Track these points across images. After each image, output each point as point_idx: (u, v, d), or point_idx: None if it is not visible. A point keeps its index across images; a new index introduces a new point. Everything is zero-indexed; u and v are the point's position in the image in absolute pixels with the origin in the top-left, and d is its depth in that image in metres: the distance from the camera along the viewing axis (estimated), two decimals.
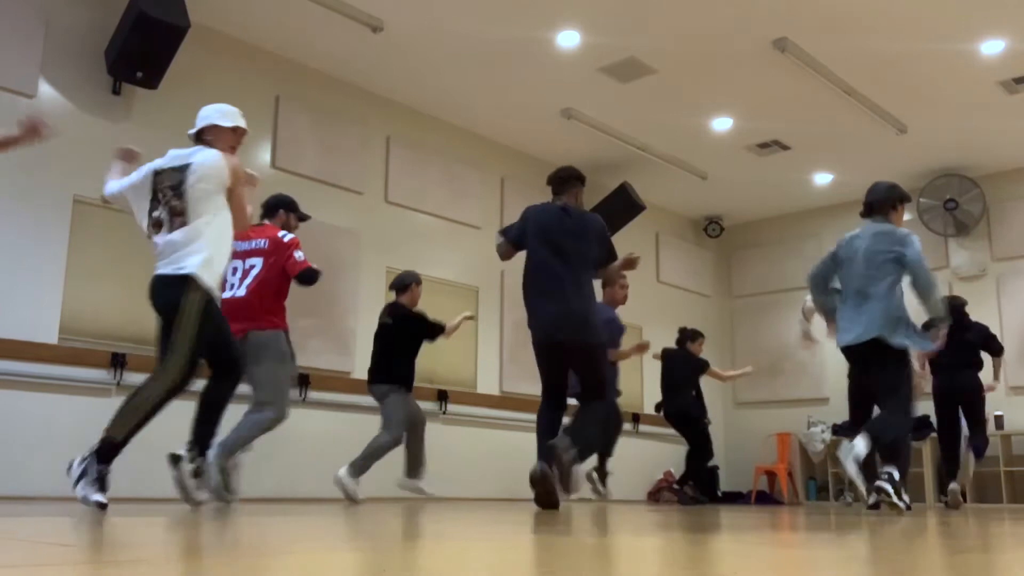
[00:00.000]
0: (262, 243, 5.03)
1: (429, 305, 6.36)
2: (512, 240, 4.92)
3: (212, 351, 3.84)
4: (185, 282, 3.66)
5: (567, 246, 4.74)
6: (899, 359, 4.97)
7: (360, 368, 7.17)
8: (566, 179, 4.99)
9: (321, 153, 7.36)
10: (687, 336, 8.22)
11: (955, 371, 6.93)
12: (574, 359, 4.78)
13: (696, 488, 8.13)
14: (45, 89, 5.88)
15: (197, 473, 3.88)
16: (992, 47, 6.95)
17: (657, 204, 10.53)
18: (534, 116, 8.36)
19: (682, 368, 8.08)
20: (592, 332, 4.72)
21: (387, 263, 7.67)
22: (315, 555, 1.60)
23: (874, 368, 5.04)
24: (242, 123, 4.05)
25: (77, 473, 3.59)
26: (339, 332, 7.19)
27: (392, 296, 6.20)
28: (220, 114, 3.99)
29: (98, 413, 5.74)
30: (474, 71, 7.49)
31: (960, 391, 6.95)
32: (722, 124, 8.49)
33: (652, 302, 10.27)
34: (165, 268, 3.71)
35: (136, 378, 5.88)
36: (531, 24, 6.71)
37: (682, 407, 7.98)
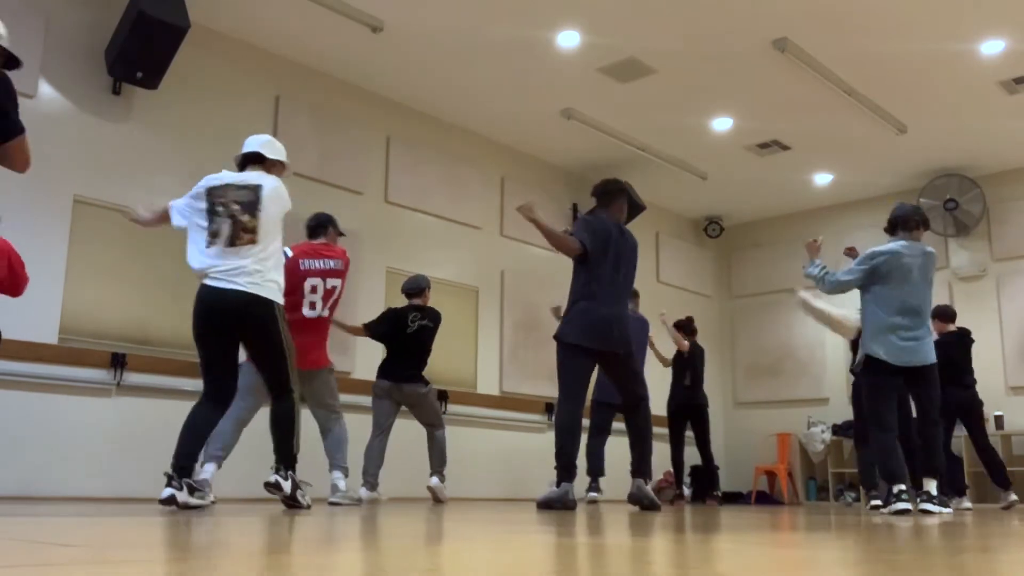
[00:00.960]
0: (340, 264, 5.27)
1: (430, 305, 6.37)
2: (584, 244, 5.03)
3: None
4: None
5: (623, 263, 5.06)
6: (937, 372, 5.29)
7: (361, 368, 7.17)
8: (613, 192, 5.25)
9: (321, 153, 7.36)
10: (694, 327, 8.17)
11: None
12: (617, 366, 5.03)
13: (679, 484, 8.08)
14: (45, 89, 5.88)
15: (297, 486, 4.12)
16: (992, 47, 6.95)
17: (657, 204, 10.52)
18: (534, 116, 8.36)
19: (702, 360, 8.06)
20: (631, 343, 5.09)
21: (387, 263, 7.67)
22: (316, 555, 1.60)
23: (921, 384, 5.21)
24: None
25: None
26: (339, 332, 7.18)
27: (402, 299, 6.38)
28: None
29: (98, 413, 5.76)
30: (474, 71, 7.49)
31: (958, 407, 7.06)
32: (722, 124, 8.48)
33: (652, 302, 10.25)
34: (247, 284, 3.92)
35: (136, 378, 5.90)
36: (531, 24, 6.71)
37: (705, 400, 7.99)
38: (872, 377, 5.24)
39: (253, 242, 3.90)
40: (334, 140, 7.47)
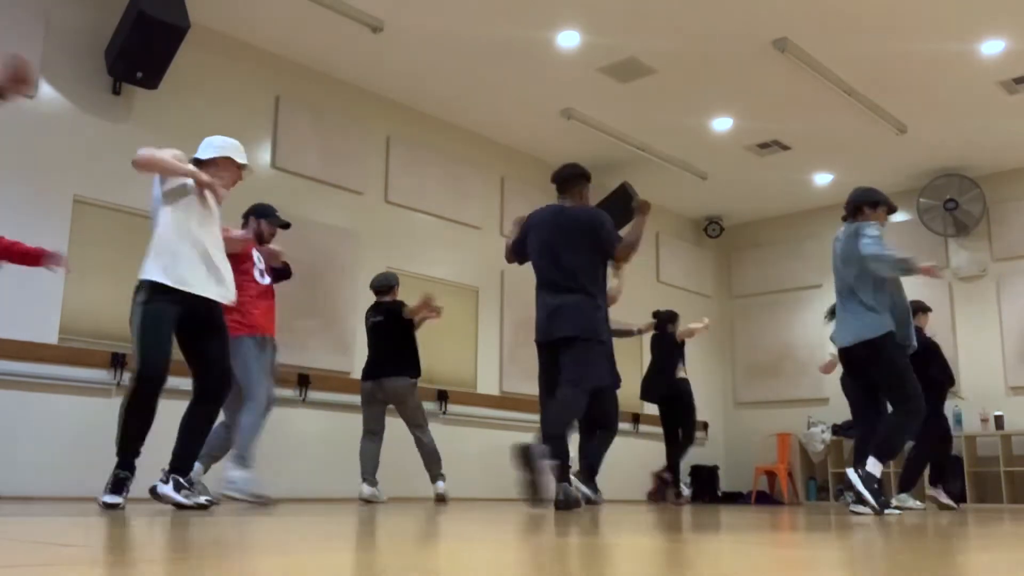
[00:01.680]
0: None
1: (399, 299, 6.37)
2: (511, 246, 4.92)
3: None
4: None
5: (564, 244, 4.64)
6: (890, 354, 4.86)
7: (360, 368, 7.17)
8: (569, 178, 4.85)
9: (321, 153, 7.36)
10: (667, 319, 8.04)
11: None
12: (565, 355, 4.63)
13: (677, 483, 7.99)
14: (45, 89, 5.88)
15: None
16: (992, 47, 6.95)
17: (657, 204, 10.52)
18: (534, 116, 8.36)
19: (666, 346, 7.95)
20: (583, 327, 4.54)
21: (387, 263, 7.67)
22: (316, 555, 1.60)
23: (871, 369, 4.97)
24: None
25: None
26: (338, 332, 7.19)
27: (404, 298, 6.37)
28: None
29: (98, 413, 5.75)
30: (474, 71, 7.49)
31: None
32: (722, 124, 8.49)
33: (652, 302, 10.25)
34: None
35: None
36: (531, 24, 6.71)
37: (675, 384, 7.83)
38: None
39: None
40: (334, 140, 7.47)
